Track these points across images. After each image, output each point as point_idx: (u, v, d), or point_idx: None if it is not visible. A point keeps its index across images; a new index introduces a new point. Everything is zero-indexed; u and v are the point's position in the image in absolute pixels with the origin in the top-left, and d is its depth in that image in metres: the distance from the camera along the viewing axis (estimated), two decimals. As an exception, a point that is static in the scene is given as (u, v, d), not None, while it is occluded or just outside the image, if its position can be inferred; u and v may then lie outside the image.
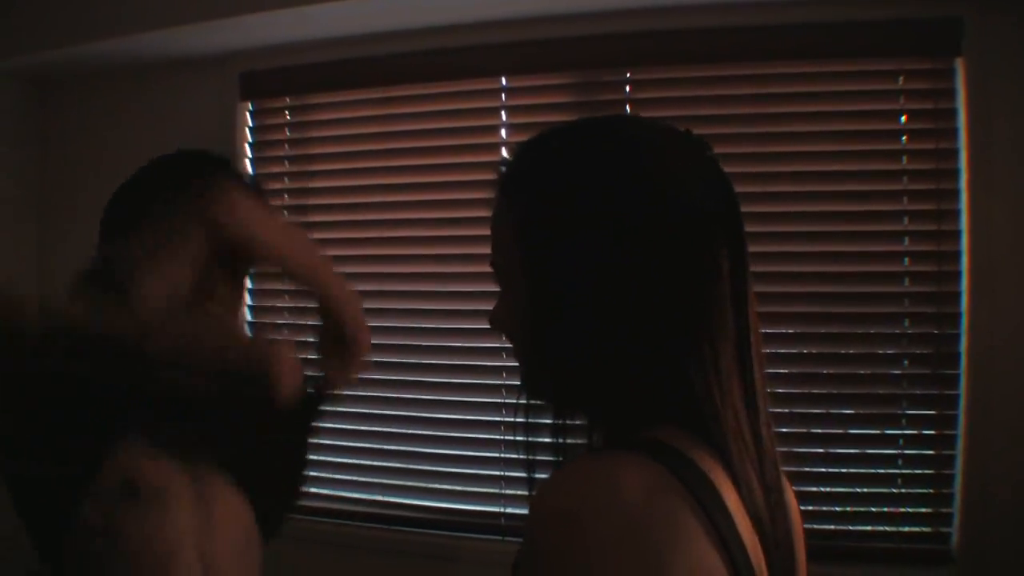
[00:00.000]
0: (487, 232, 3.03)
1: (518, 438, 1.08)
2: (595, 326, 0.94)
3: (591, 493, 0.82)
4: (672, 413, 0.93)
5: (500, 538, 2.79)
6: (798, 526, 1.06)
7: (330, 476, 3.04)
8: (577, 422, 1.08)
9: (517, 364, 1.08)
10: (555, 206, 0.98)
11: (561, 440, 1.08)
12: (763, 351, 1.01)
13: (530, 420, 1.07)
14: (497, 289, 1.09)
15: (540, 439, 1.08)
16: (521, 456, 1.09)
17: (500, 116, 2.89)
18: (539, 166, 1.03)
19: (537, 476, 1.00)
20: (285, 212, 3.13)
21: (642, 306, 0.93)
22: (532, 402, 1.07)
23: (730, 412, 0.94)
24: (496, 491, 2.82)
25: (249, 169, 3.17)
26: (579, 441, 1.08)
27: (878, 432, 2.50)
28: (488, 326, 1.10)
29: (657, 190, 0.95)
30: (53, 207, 3.47)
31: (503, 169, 1.08)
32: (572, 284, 0.95)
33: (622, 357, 0.94)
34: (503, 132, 2.88)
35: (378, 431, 2.98)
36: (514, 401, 1.09)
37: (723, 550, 0.83)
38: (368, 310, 2.94)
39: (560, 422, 1.08)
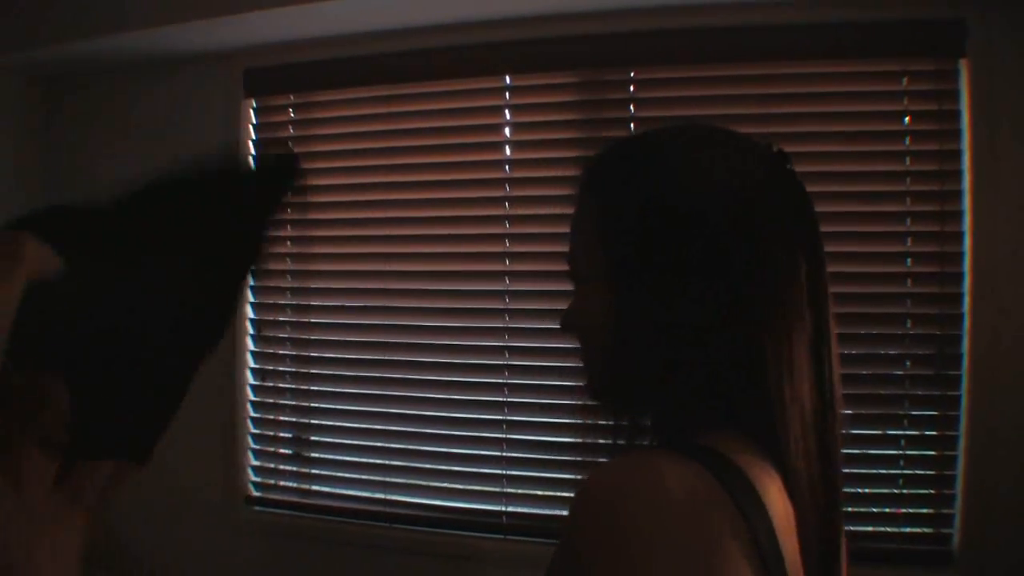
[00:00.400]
0: (490, 231, 3.01)
1: (595, 440, 1.10)
2: (677, 331, 0.96)
3: (634, 490, 0.82)
4: (735, 418, 0.96)
5: (501, 536, 2.79)
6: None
7: (331, 474, 3.05)
8: (637, 424, 1.09)
9: (585, 367, 1.09)
10: (643, 212, 0.99)
11: (625, 443, 1.09)
12: (839, 352, 1.03)
13: (601, 423, 1.09)
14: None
15: (606, 441, 1.10)
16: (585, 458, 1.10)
17: (504, 115, 2.89)
18: (630, 171, 1.04)
19: None
20: (288, 210, 3.14)
21: (723, 310, 0.95)
22: (598, 406, 1.09)
23: (797, 419, 0.95)
24: (498, 490, 2.82)
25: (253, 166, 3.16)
26: (642, 443, 1.09)
27: (880, 432, 2.51)
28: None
29: (740, 199, 0.98)
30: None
31: (590, 169, 1.09)
32: (656, 289, 0.97)
33: (701, 360, 0.96)
34: (507, 131, 2.88)
35: (379, 429, 2.97)
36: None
37: (758, 559, 0.84)
38: (372, 308, 2.96)
39: (625, 424, 1.09)
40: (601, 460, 1.01)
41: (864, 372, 2.53)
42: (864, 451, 2.52)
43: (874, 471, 2.50)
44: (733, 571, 0.81)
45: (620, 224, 1.01)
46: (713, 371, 0.96)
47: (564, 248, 1.11)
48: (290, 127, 3.16)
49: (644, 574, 0.78)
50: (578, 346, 1.10)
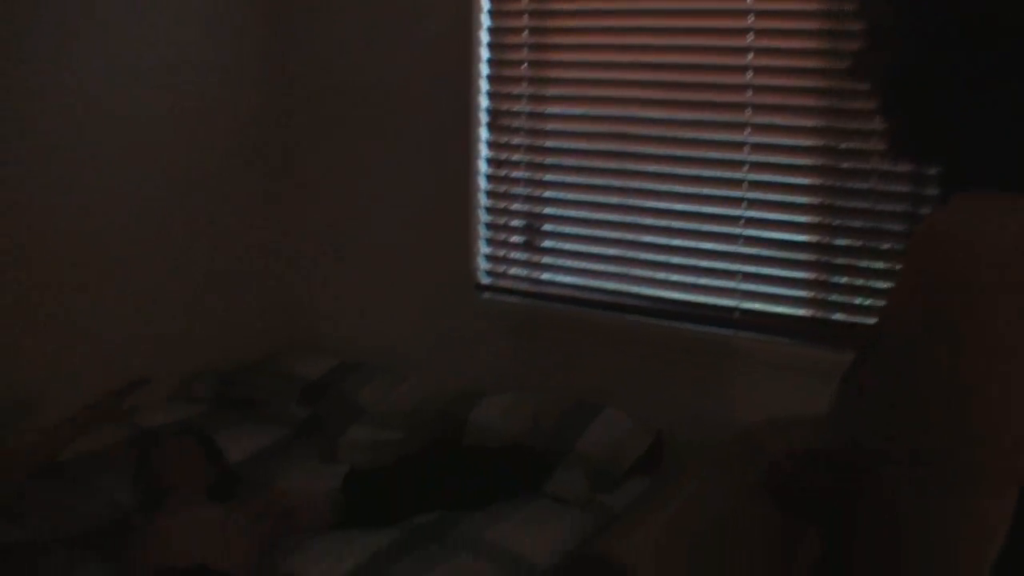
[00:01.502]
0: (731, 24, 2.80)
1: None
2: (987, 62, 0.90)
3: (973, 235, 0.81)
4: None
5: (732, 332, 2.79)
6: None
7: (561, 263, 3.12)
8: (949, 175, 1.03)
9: (883, 120, 1.02)
10: None
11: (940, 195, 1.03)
12: None
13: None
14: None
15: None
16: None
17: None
18: None
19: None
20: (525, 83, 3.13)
21: None
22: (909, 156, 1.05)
23: None
24: (732, 286, 2.80)
25: (486, 47, 3.14)
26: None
27: None
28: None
29: None
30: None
31: None
32: (958, 20, 0.90)
33: (1010, 91, 0.89)
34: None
35: (612, 221, 2.99)
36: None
37: None
38: (609, 98, 2.94)
39: (938, 175, 1.02)
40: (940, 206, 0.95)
41: None
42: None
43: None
44: None
45: None
46: None
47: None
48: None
49: (989, 320, 0.78)
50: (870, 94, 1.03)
